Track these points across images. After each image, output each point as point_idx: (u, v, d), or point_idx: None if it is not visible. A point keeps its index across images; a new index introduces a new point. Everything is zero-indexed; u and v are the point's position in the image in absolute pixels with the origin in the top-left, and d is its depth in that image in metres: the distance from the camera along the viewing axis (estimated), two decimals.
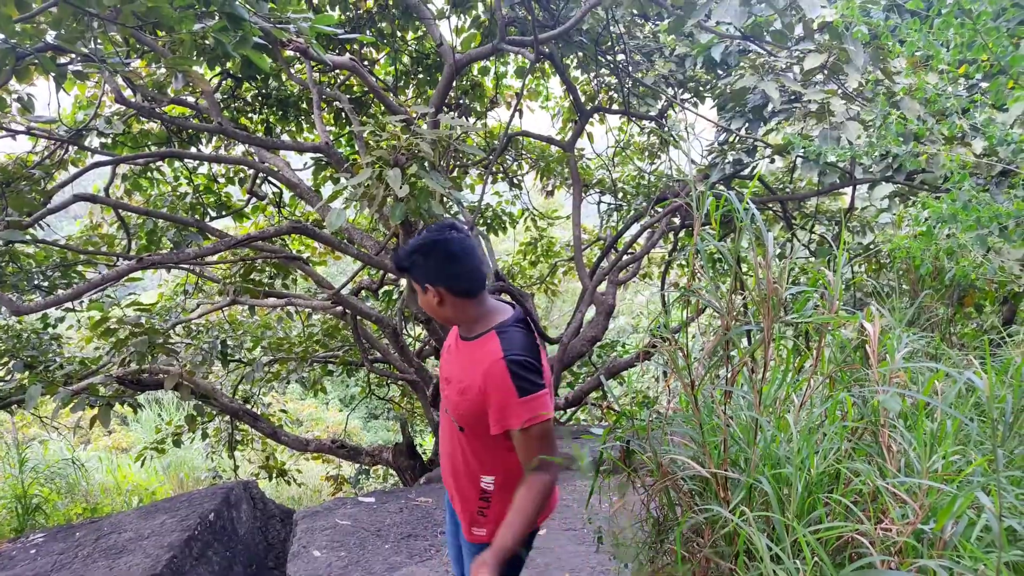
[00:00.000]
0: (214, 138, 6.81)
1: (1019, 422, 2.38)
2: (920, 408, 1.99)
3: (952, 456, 2.01)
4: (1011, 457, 2.21)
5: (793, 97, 5.65)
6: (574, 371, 8.17)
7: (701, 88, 7.25)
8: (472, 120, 7.94)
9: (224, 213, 7.03)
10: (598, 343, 7.30)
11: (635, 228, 7.90)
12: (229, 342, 5.96)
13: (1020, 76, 4.06)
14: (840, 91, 5.31)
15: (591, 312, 6.95)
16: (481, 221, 7.80)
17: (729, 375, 2.38)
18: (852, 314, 2.71)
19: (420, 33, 7.17)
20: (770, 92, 4.89)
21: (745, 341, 2.89)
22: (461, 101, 7.87)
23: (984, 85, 5.24)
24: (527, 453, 2.03)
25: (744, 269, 3.74)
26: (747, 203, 2.40)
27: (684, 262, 8.68)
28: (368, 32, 6.73)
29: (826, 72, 5.46)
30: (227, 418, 6.92)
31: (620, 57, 7.33)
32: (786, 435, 2.21)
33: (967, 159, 4.40)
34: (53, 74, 3.76)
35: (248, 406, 6.50)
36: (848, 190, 7.11)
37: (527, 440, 2.00)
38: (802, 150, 5.02)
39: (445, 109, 6.91)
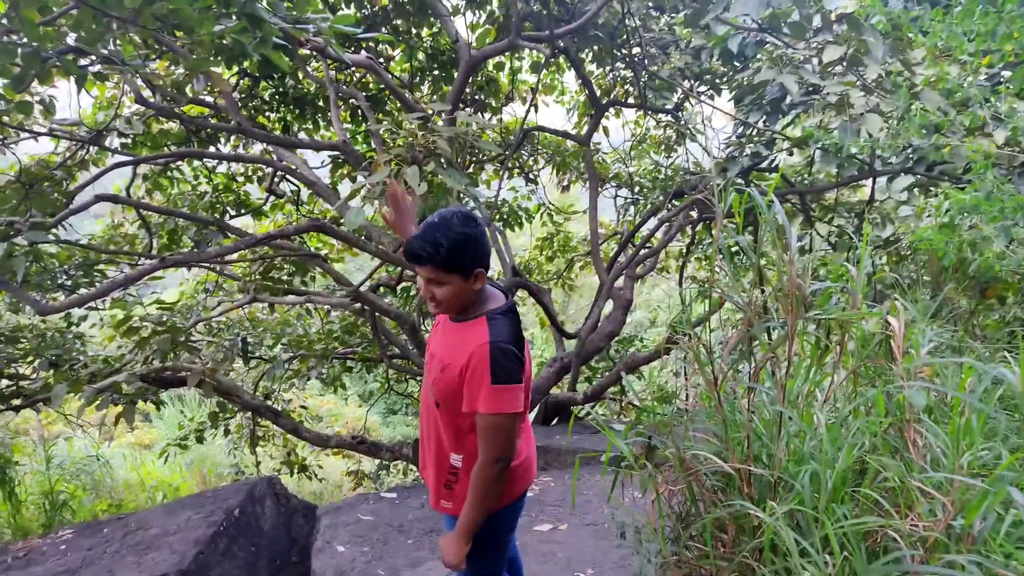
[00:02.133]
0: (232, 137, 6.86)
1: None
2: (955, 404, 1.98)
3: (980, 451, 2.00)
4: None
5: (811, 89, 5.60)
6: (592, 366, 8.18)
7: (718, 80, 7.21)
8: (488, 116, 7.93)
9: (243, 211, 7.09)
10: (616, 338, 7.30)
11: (652, 222, 7.87)
12: (250, 339, 6.03)
13: None
14: (859, 83, 5.26)
15: (609, 307, 6.94)
16: (497, 216, 7.80)
17: (752, 371, 2.38)
18: (874, 308, 2.70)
19: (435, 30, 7.17)
20: (789, 85, 4.85)
21: (765, 336, 2.88)
22: (477, 97, 7.87)
23: (1006, 75, 5.17)
24: (483, 440, 2.10)
25: (763, 263, 3.70)
26: (770, 197, 2.40)
27: (702, 256, 8.65)
28: (383, 29, 6.75)
29: (845, 64, 5.41)
30: (249, 414, 6.99)
31: (636, 50, 7.29)
32: (810, 430, 2.20)
33: (990, 150, 4.34)
34: (74, 76, 3.80)
35: (269, 402, 6.57)
36: (867, 182, 7.04)
37: (485, 427, 2.07)
38: (823, 143, 4.99)
39: (461, 105, 6.91)
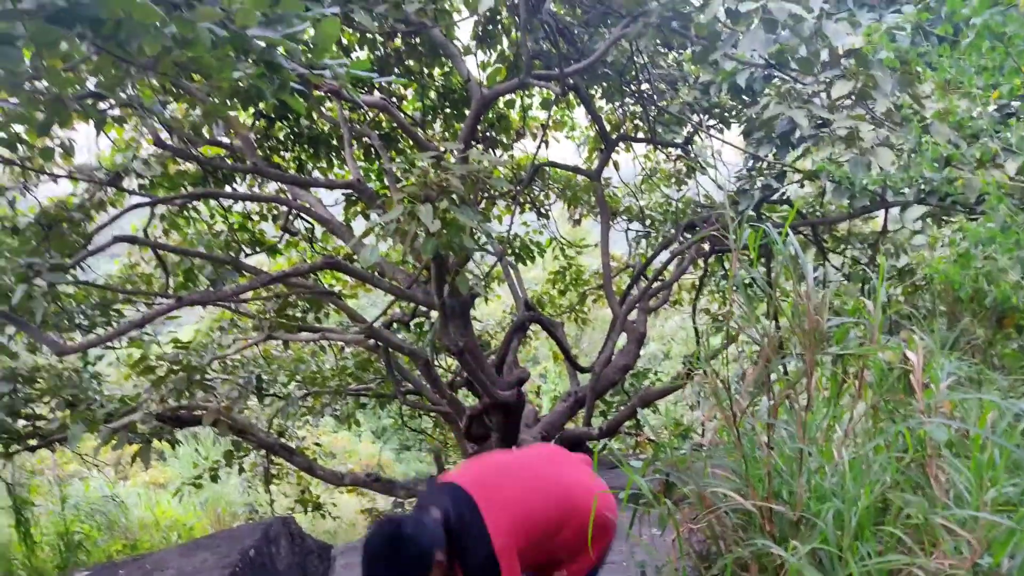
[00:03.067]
0: (248, 176, 6.96)
1: None
2: (975, 441, 1.95)
3: (1005, 488, 1.97)
4: None
5: (821, 123, 5.64)
6: (607, 400, 8.13)
7: (727, 115, 7.27)
8: (499, 152, 8.03)
9: (258, 250, 7.16)
10: (630, 371, 7.27)
11: (664, 255, 7.88)
12: (264, 377, 6.04)
13: None
14: (869, 116, 5.29)
15: (622, 340, 6.92)
16: (510, 251, 7.84)
17: (771, 406, 2.37)
18: (891, 341, 2.68)
19: (447, 69, 7.29)
20: (799, 119, 4.90)
21: (782, 371, 2.86)
22: (488, 134, 7.97)
23: (1016, 105, 5.18)
24: None
25: (779, 295, 3.69)
26: (786, 232, 2.41)
27: (715, 288, 8.63)
28: (397, 69, 6.87)
29: (854, 98, 5.45)
30: (263, 452, 6.98)
31: (645, 86, 7.38)
32: (831, 467, 2.18)
33: (1002, 181, 4.34)
34: (93, 119, 3.87)
35: (283, 440, 6.56)
36: (880, 213, 7.03)
37: None
38: (834, 177, 5.00)
39: (473, 142, 7.01)
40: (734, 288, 2.55)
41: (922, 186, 5.29)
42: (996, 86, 4.31)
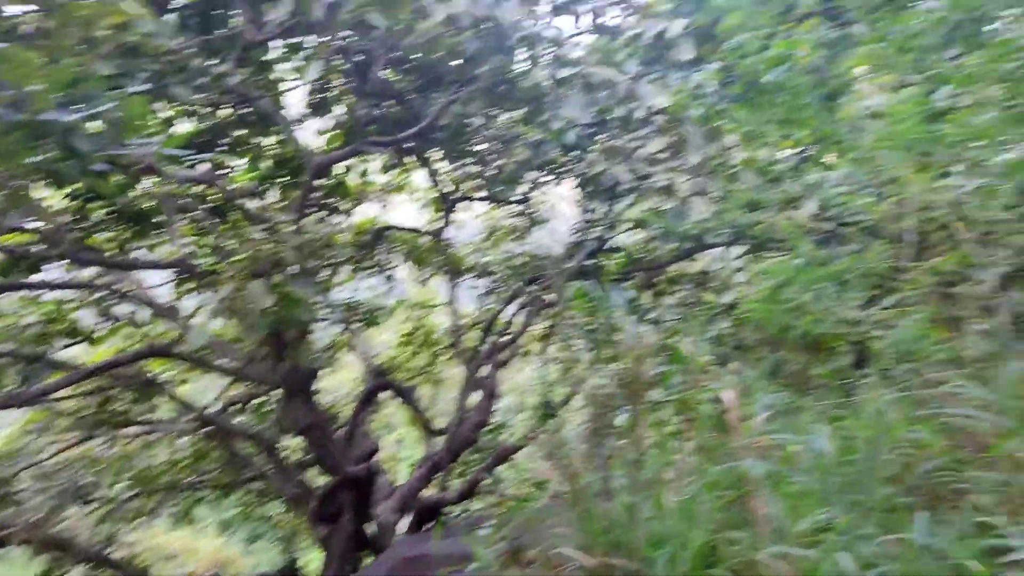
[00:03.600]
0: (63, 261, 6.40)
1: (878, 466, 2.53)
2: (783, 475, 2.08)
3: (821, 515, 2.09)
4: (873, 502, 2.32)
5: (643, 176, 6.02)
6: (466, 460, 8.04)
7: (560, 170, 7.58)
8: (339, 219, 7.93)
9: (76, 340, 6.54)
10: (485, 427, 7.26)
11: (512, 308, 8.02)
12: (87, 480, 5.47)
13: (839, 143, 4.51)
14: (683, 167, 5.70)
15: (477, 397, 6.92)
16: (356, 317, 7.69)
17: (606, 458, 2.42)
18: (725, 371, 2.84)
19: (283, 137, 7.16)
20: (620, 175, 5.20)
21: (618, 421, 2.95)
22: (327, 201, 7.86)
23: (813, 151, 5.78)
24: None
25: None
26: (605, 288, 2.51)
27: (560, 338, 8.85)
28: (228, 137, 6.65)
29: (670, 152, 5.87)
30: (90, 564, 6.27)
31: (483, 146, 7.59)
32: (663, 512, 2.24)
33: (801, 221, 4.78)
34: None
35: (111, 547, 5.93)
36: (706, 253, 7.55)
37: None
38: (657, 226, 5.33)
39: (310, 211, 6.87)
40: (567, 342, 2.62)
41: (734, 229, 5.74)
42: (787, 136, 4.80)
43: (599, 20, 6.11)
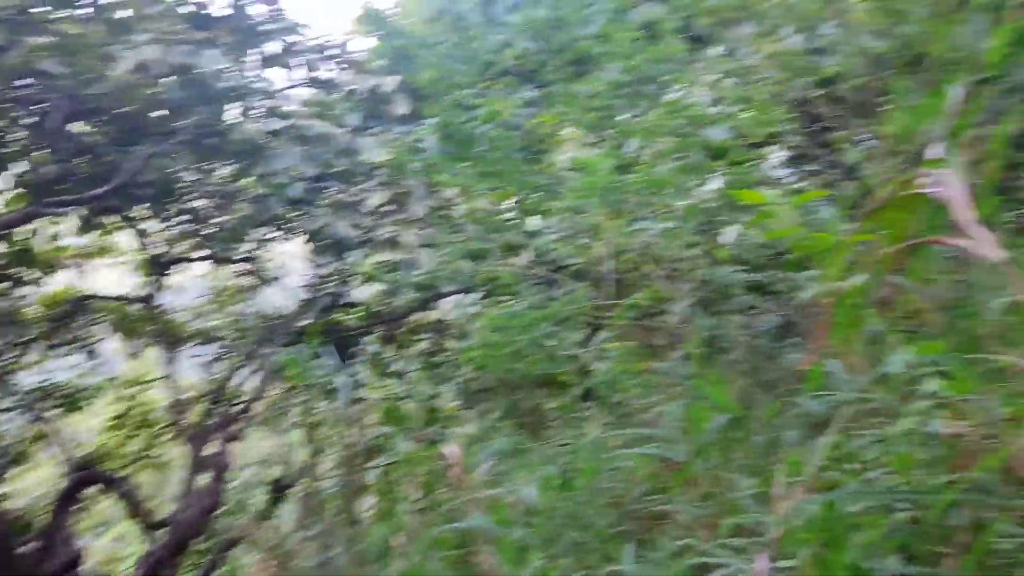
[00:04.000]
0: None
1: (596, 498, 2.65)
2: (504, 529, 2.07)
3: (539, 561, 2.12)
4: (591, 537, 2.41)
5: (369, 229, 5.97)
6: (199, 549, 7.20)
7: (287, 225, 7.28)
8: (25, 290, 6.88)
9: None
10: (217, 510, 6.57)
11: (245, 373, 7.47)
12: None
13: (545, 193, 4.83)
14: (408, 219, 5.76)
15: (206, 478, 6.26)
16: (52, 404, 6.64)
17: (326, 538, 2.26)
18: (439, 437, 2.81)
19: None
20: (343, 231, 5.10)
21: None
22: (7, 271, 6.78)
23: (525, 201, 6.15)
24: None
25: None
26: (315, 354, 2.37)
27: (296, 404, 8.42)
28: None
29: (394, 205, 5.91)
30: None
31: (199, 203, 7.05)
32: None
33: (520, 268, 5.02)
34: None
35: None
36: (444, 301, 7.66)
37: None
38: (389, 278, 5.29)
39: None
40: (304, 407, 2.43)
41: (462, 277, 5.90)
42: (496, 188, 5.04)
43: (313, 73, 6.01)
